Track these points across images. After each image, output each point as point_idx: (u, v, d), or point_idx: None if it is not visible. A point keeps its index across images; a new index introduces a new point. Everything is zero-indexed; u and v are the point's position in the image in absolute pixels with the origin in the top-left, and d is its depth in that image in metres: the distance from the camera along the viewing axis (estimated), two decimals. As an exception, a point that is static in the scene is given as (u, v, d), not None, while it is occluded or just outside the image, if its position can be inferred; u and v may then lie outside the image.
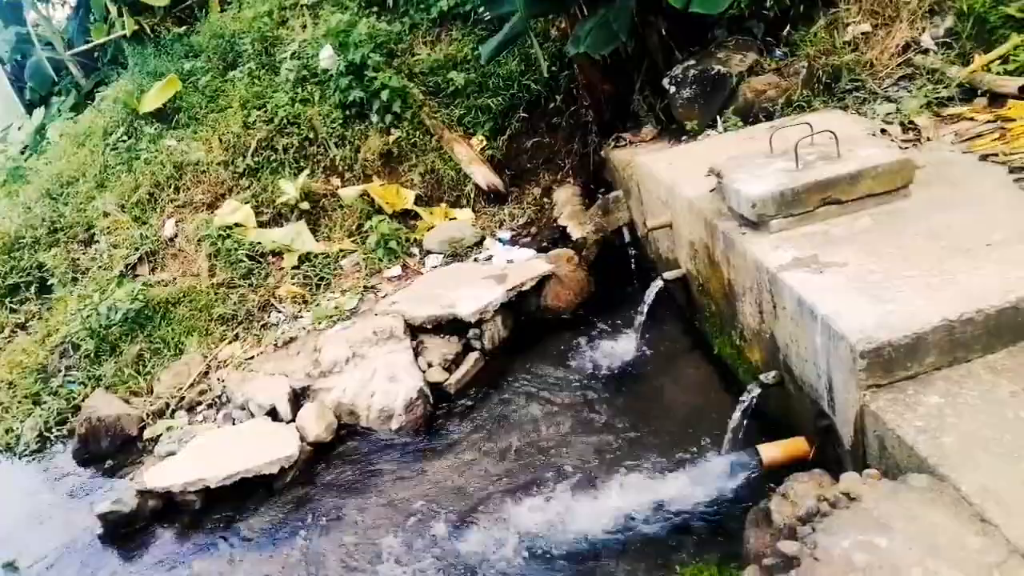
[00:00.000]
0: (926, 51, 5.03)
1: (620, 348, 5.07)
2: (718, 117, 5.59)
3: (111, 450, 5.25)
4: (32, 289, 6.95)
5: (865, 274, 3.08)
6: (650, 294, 4.86)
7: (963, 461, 2.35)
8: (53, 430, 5.67)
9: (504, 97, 7.03)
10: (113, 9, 9.72)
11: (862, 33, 5.33)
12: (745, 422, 3.61)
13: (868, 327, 2.73)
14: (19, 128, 10.35)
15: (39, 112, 10.35)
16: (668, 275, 4.85)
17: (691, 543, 3.46)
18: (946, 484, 2.32)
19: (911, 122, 4.50)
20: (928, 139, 4.31)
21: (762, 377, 3.57)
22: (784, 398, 3.55)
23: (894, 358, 2.68)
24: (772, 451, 3.41)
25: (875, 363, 2.68)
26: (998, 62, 4.54)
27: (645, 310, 4.89)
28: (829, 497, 2.52)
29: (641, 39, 6.04)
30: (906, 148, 4.21)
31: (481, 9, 7.15)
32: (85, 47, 10.35)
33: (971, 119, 4.32)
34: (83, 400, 5.62)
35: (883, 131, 4.48)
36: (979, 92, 4.51)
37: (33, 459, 5.55)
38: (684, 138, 5.68)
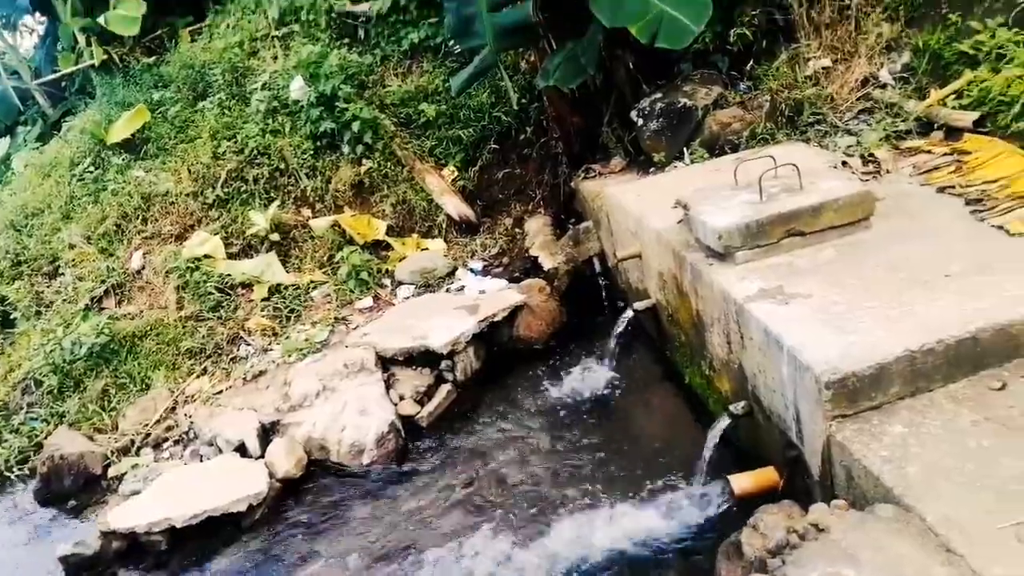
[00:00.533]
0: (884, 86, 5.18)
1: (592, 378, 5.08)
2: (685, 149, 5.69)
3: (74, 489, 5.12)
4: (-7, 323, 6.80)
5: (829, 305, 3.13)
6: (620, 324, 4.89)
7: (927, 491, 2.39)
8: (14, 469, 5.51)
9: (475, 128, 7.10)
10: (81, 39, 9.68)
11: (823, 68, 5.48)
12: (716, 452, 3.62)
13: (833, 358, 2.77)
14: (-17, 158, 10.18)
15: (3, 142, 10.21)
16: (638, 305, 4.89)
17: (663, 574, 3.44)
18: (912, 514, 2.35)
19: (871, 155, 4.62)
20: (887, 171, 4.42)
21: (731, 407, 3.60)
22: (754, 428, 3.59)
23: (859, 388, 2.73)
24: (743, 481, 3.42)
25: (840, 393, 2.72)
26: (953, 97, 4.68)
27: (616, 340, 4.92)
28: (798, 528, 2.54)
29: (609, 72, 6.15)
30: (867, 180, 4.32)
31: (452, 42, 7.23)
32: (52, 76, 10.28)
33: (929, 152, 4.45)
34: (45, 437, 5.48)
35: (844, 163, 4.59)
36: (936, 126, 4.65)
37: (-8, 499, 5.39)
38: (652, 169, 5.77)
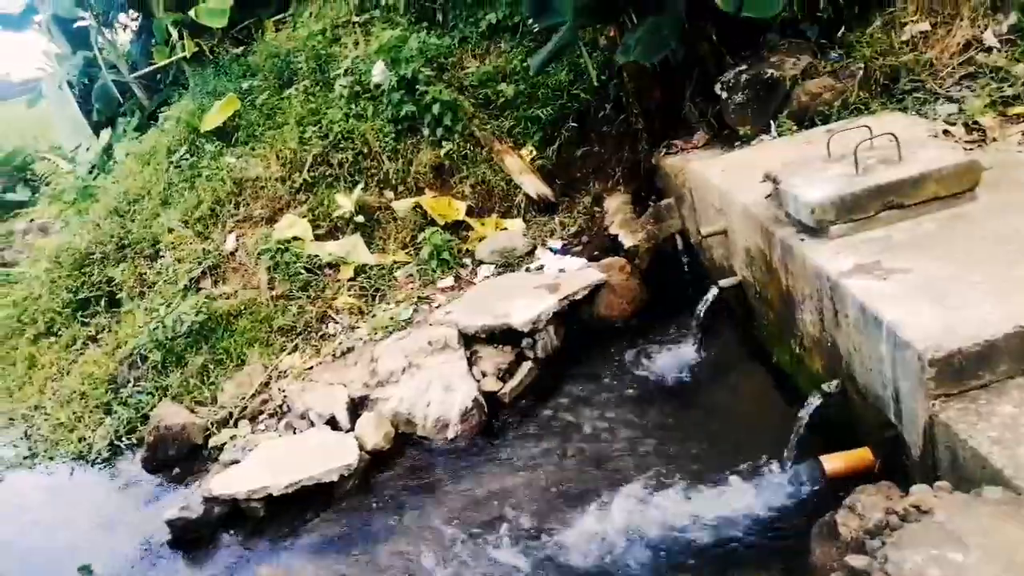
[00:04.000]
0: (989, 49, 4.88)
1: (675, 357, 5.03)
2: (772, 122, 5.51)
3: (178, 458, 5.42)
4: (102, 303, 7.23)
5: (931, 280, 3.00)
6: (705, 302, 4.81)
7: (1041, 473, 2.28)
8: (123, 439, 5.87)
9: (553, 107, 7.06)
10: (174, 32, 10.10)
11: (920, 32, 5.21)
12: (806, 432, 3.54)
13: (936, 334, 2.66)
14: (87, 149, 10.81)
15: (106, 133, 10.79)
16: (723, 283, 4.79)
17: (752, 556, 3.40)
18: (1023, 497, 2.25)
19: (975, 122, 4.37)
20: (994, 140, 4.18)
21: (824, 386, 3.50)
22: (847, 408, 3.48)
23: (964, 366, 2.61)
24: (835, 462, 3.34)
25: (944, 372, 2.61)
26: (1067, 58, 4.39)
27: (700, 318, 4.85)
28: (899, 510, 2.45)
29: (691, 45, 6.00)
30: (970, 149, 4.10)
31: (530, 21, 7.20)
32: (148, 69, 10.78)
33: (1039, 118, 4.19)
34: (151, 410, 5.80)
35: (945, 132, 4.37)
36: (1047, 90, 4.37)
37: (104, 467, 5.76)
38: (737, 144, 5.62)
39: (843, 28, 5.60)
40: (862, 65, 5.24)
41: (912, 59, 5.08)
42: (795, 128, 5.34)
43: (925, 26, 5.20)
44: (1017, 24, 4.80)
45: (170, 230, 7.20)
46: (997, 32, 4.92)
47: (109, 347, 6.67)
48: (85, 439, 5.98)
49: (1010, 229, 3.18)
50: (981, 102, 4.49)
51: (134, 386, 6.17)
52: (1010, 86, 4.52)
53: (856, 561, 2.32)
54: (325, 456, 4.71)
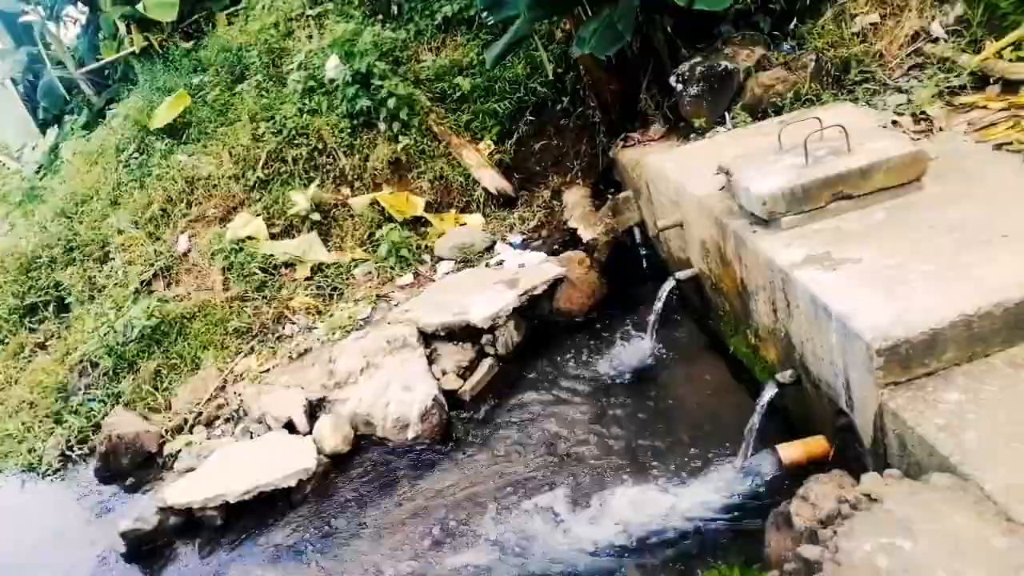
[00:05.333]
0: (936, 40, 4.95)
1: (634, 349, 5.04)
2: (727, 113, 5.54)
3: (132, 467, 5.29)
4: (50, 308, 7.03)
5: (879, 270, 3.03)
6: (663, 294, 4.83)
7: (986, 459, 2.31)
8: (74, 448, 5.72)
9: (511, 101, 7.02)
10: (122, 26, 9.81)
11: (870, 23, 5.27)
12: (763, 422, 3.57)
13: (884, 324, 2.68)
14: (33, 148, 10.46)
15: (53, 131, 10.46)
16: (680, 275, 4.81)
17: (712, 547, 3.42)
18: (969, 483, 2.28)
19: (923, 112, 4.43)
20: (940, 129, 4.24)
21: (778, 376, 3.53)
22: (801, 397, 3.52)
23: (911, 355, 2.64)
24: (791, 451, 3.38)
25: (892, 361, 2.64)
26: (1010, 49, 4.46)
27: (658, 310, 4.86)
28: (850, 499, 2.48)
29: (646, 38, 6.00)
30: (918, 139, 4.16)
31: (485, 14, 7.14)
32: (96, 65, 10.45)
33: (984, 107, 4.25)
34: (103, 418, 5.66)
35: (894, 123, 4.42)
36: (991, 80, 4.43)
37: (55, 478, 5.60)
38: (693, 136, 5.64)
39: (795, 20, 5.64)
40: (814, 56, 5.29)
41: (862, 50, 5.13)
42: (749, 119, 5.37)
43: (875, 17, 5.26)
44: (963, 15, 4.88)
45: (120, 231, 7.02)
46: (944, 23, 4.99)
47: (59, 354, 6.49)
48: (35, 450, 5.81)
49: (956, 217, 3.23)
50: (928, 92, 4.55)
51: (85, 394, 6.00)
52: (956, 76, 4.58)
53: (808, 552, 2.33)
54: (283, 461, 4.63)
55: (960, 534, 2.15)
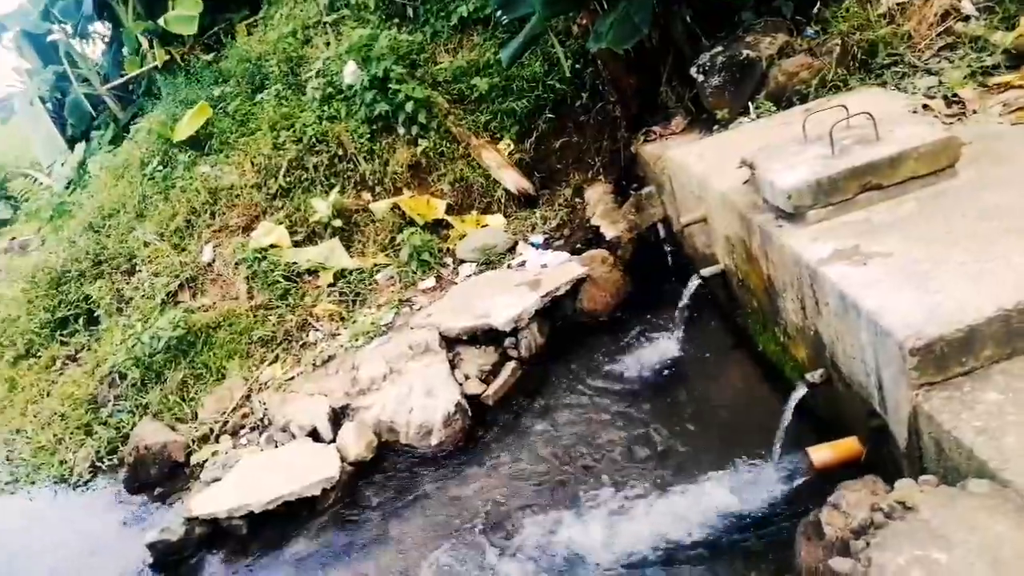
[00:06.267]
0: (967, 18, 4.75)
1: (661, 349, 4.92)
2: (750, 103, 5.38)
3: (159, 477, 5.32)
4: (80, 321, 7.12)
5: (911, 263, 2.88)
6: (688, 292, 4.70)
7: (1029, 463, 2.17)
8: (104, 459, 5.78)
9: (529, 99, 6.93)
10: (144, 42, 9.96)
11: (897, 3, 5.07)
12: (793, 423, 3.44)
13: (917, 322, 2.55)
14: (62, 164, 10.67)
15: (80, 147, 10.64)
16: (706, 272, 4.68)
17: (743, 555, 3.30)
18: (1009, 490, 2.14)
19: (955, 95, 4.25)
20: (974, 112, 4.06)
21: (808, 376, 3.39)
22: (833, 397, 3.38)
23: (947, 353, 2.50)
24: (823, 453, 3.24)
25: (926, 360, 2.50)
26: (1047, 24, 4.27)
27: (684, 308, 4.74)
28: (883, 507, 2.35)
29: (664, 29, 5.87)
30: (951, 123, 3.98)
31: (499, 13, 7.05)
32: (120, 81, 10.63)
33: (1020, 87, 4.06)
34: (131, 429, 5.71)
35: (925, 107, 4.24)
36: (1027, 58, 4.24)
37: (86, 489, 5.66)
38: (715, 127, 5.49)
39: (819, 3, 5.46)
40: (839, 41, 5.11)
41: (889, 32, 4.95)
42: (773, 109, 5.21)
43: (902, -3, 5.07)
44: (994, -10, 4.68)
45: (146, 244, 7.08)
46: (975, 0, 4.80)
47: (89, 366, 6.57)
48: (66, 462, 5.88)
49: (991, 205, 3.06)
50: (960, 73, 4.36)
51: (114, 405, 6.07)
52: (989, 55, 4.39)
53: (839, 565, 2.21)
54: (307, 469, 4.61)
55: (1000, 545, 2.01)
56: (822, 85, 5.09)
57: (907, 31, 4.94)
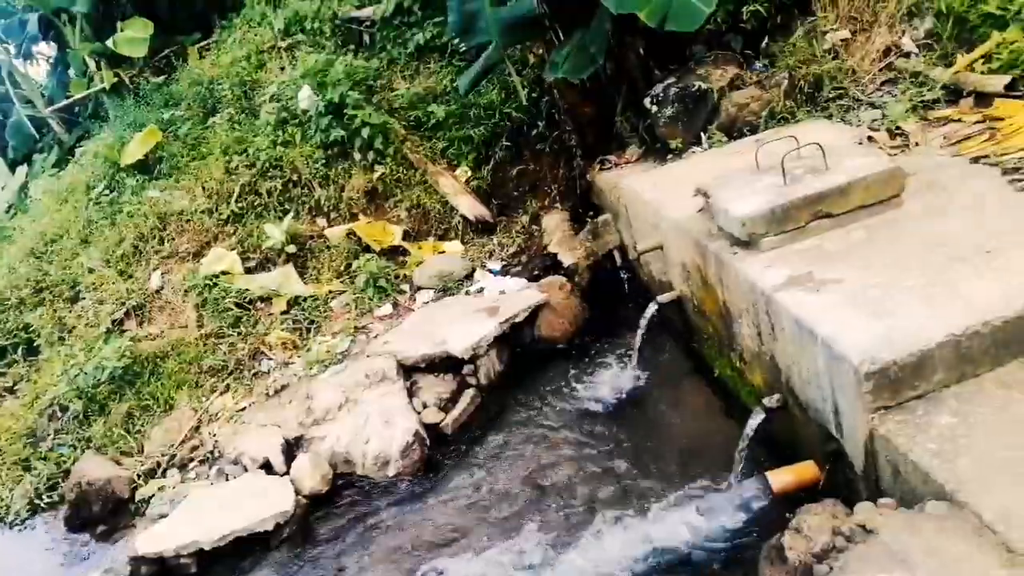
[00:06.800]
0: (908, 54, 4.97)
1: (618, 375, 4.94)
2: (702, 134, 5.51)
3: (103, 514, 5.08)
4: (19, 351, 6.80)
5: (863, 289, 2.97)
6: (645, 318, 4.74)
7: (982, 485, 2.23)
8: (43, 496, 5.48)
9: (486, 127, 6.97)
10: (92, 63, 9.73)
11: (841, 40, 5.28)
12: (751, 448, 3.48)
13: (871, 346, 2.61)
14: (2, 188, 10.28)
15: (22, 170, 10.28)
16: (662, 298, 4.73)
17: (704, 581, 3.31)
18: (966, 511, 2.19)
19: (898, 127, 4.42)
20: (916, 144, 4.22)
21: (765, 401, 3.45)
22: (790, 421, 3.43)
23: (900, 377, 2.56)
24: (782, 477, 3.28)
25: (881, 384, 2.56)
26: (981, 61, 4.47)
27: (641, 335, 4.77)
28: (844, 530, 2.39)
29: (619, 60, 5.98)
30: (895, 155, 4.13)
31: (457, 41, 7.11)
32: (65, 102, 10.35)
33: (959, 120, 4.24)
34: (73, 464, 5.45)
35: (870, 138, 4.40)
36: (965, 93, 4.44)
37: (24, 528, 5.37)
38: (669, 157, 5.60)
39: (767, 38, 5.65)
40: (786, 74, 5.29)
41: (834, 67, 5.14)
42: (725, 139, 5.35)
43: (845, 34, 5.27)
44: (933, 29, 4.89)
45: (90, 270, 6.84)
46: (915, 37, 5.01)
47: (27, 398, 6.26)
48: (2, 499, 5.57)
49: (937, 233, 3.18)
50: (902, 107, 4.54)
51: (54, 439, 5.79)
52: (929, 90, 4.58)
53: (804, 590, 2.23)
54: (259, 503, 4.46)
55: (960, 566, 2.06)
56: (771, 117, 5.26)
57: (851, 66, 5.14)
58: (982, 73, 4.41)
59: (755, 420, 3.44)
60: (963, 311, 2.63)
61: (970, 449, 2.35)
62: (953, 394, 2.58)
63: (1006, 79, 4.21)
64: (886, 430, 2.54)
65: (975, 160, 3.77)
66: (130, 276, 6.77)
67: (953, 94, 4.51)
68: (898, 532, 2.24)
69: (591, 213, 6.33)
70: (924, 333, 2.59)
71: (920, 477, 2.39)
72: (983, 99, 4.32)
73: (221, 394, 5.70)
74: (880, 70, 5.03)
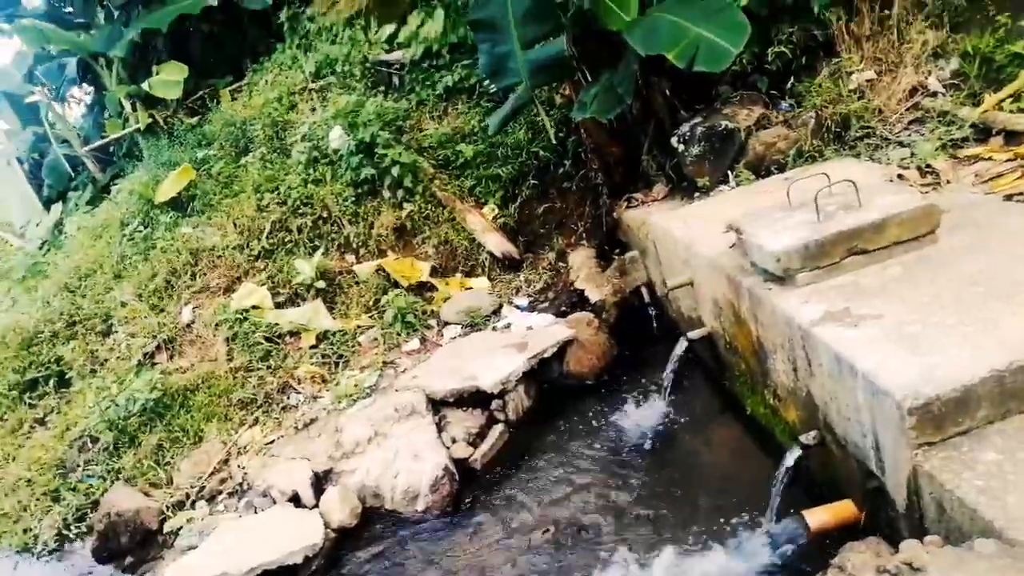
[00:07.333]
0: (934, 94, 5.01)
1: (648, 412, 4.92)
2: (729, 172, 5.57)
3: (131, 546, 5.09)
4: (51, 383, 6.91)
5: (902, 325, 2.96)
6: (675, 355, 4.74)
7: (1033, 522, 2.19)
8: (72, 527, 5.52)
9: (513, 165, 7.08)
10: (127, 105, 10.03)
11: (867, 80, 5.34)
12: (787, 486, 3.44)
13: (913, 382, 2.59)
14: (37, 224, 10.53)
15: (57, 207, 10.55)
16: (693, 334, 4.73)
17: (742, 621, 3.25)
18: (1017, 549, 2.15)
19: (928, 166, 4.44)
20: (948, 182, 4.24)
21: (802, 438, 3.41)
22: (827, 459, 3.39)
23: (944, 413, 2.54)
24: (819, 516, 3.23)
25: (924, 420, 2.54)
26: (1009, 100, 4.50)
27: (671, 371, 4.76)
28: (891, 568, 2.35)
29: (646, 100, 6.08)
30: (926, 192, 4.14)
31: (486, 82, 7.26)
32: (101, 142, 10.65)
33: (989, 159, 4.26)
34: (102, 494, 5.49)
35: (900, 176, 4.42)
36: (994, 131, 4.46)
37: (52, 559, 5.39)
38: (696, 195, 5.65)
39: (792, 79, 5.73)
40: (813, 114, 5.34)
41: (861, 106, 5.19)
42: (752, 178, 5.39)
43: (870, 74, 5.33)
44: (959, 69, 4.95)
45: (123, 304, 6.97)
46: (941, 77, 5.06)
47: (58, 430, 6.34)
48: (31, 530, 5.61)
49: (974, 270, 3.17)
50: (932, 145, 4.57)
51: (84, 470, 5.84)
52: (958, 129, 4.61)
53: (852, 628, 2.19)
54: (288, 536, 4.45)
55: (1014, 605, 2.02)
56: (799, 155, 5.30)
57: (877, 106, 5.18)
58: (1011, 112, 4.44)
59: (791, 457, 3.40)
60: (1005, 347, 2.61)
61: (1018, 486, 2.31)
62: (997, 430, 2.55)
63: (1036, 118, 4.23)
64: (930, 466, 2.51)
65: (1008, 197, 3.78)
66: (162, 310, 6.89)
67: (982, 133, 4.54)
68: (947, 570, 2.20)
69: (617, 250, 6.38)
70: (967, 368, 2.57)
71: (967, 514, 2.36)
72: (1013, 137, 4.34)
73: (250, 427, 5.73)
74: (907, 109, 5.07)
